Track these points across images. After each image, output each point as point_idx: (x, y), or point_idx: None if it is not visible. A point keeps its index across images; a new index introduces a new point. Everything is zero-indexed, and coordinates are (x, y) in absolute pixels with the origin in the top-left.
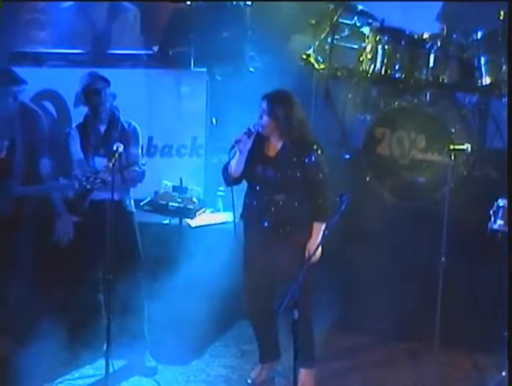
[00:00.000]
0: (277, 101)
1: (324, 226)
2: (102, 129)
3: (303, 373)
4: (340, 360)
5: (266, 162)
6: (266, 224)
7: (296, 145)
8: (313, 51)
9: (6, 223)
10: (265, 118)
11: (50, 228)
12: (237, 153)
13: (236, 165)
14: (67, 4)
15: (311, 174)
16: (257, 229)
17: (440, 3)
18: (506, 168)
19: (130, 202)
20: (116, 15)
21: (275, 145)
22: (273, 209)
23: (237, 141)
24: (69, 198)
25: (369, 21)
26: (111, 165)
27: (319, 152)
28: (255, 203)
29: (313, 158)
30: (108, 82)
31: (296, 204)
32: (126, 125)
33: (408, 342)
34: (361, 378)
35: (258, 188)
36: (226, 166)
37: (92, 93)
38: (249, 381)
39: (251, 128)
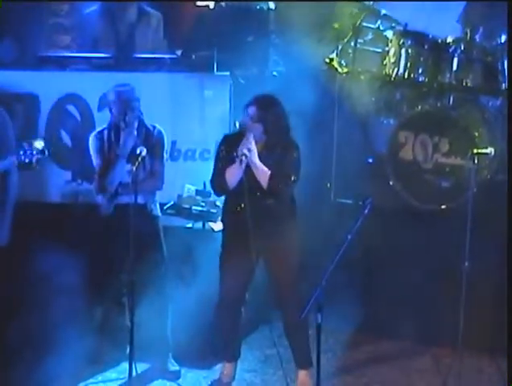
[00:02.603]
0: (266, 108)
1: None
2: (126, 132)
3: (302, 374)
4: (363, 364)
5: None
6: (252, 227)
7: (276, 147)
8: (336, 55)
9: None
10: (256, 126)
11: (76, 232)
12: (239, 163)
13: (237, 175)
14: (90, 9)
15: (285, 171)
16: (242, 233)
17: (463, 5)
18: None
19: (155, 206)
20: (139, 20)
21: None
22: (259, 211)
23: (246, 154)
24: (95, 201)
25: (393, 25)
26: (134, 169)
27: (295, 153)
28: (240, 207)
29: (288, 158)
30: (133, 88)
31: (280, 205)
32: (151, 129)
33: (432, 347)
34: (385, 382)
35: (241, 193)
36: (219, 178)
37: (116, 99)
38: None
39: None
